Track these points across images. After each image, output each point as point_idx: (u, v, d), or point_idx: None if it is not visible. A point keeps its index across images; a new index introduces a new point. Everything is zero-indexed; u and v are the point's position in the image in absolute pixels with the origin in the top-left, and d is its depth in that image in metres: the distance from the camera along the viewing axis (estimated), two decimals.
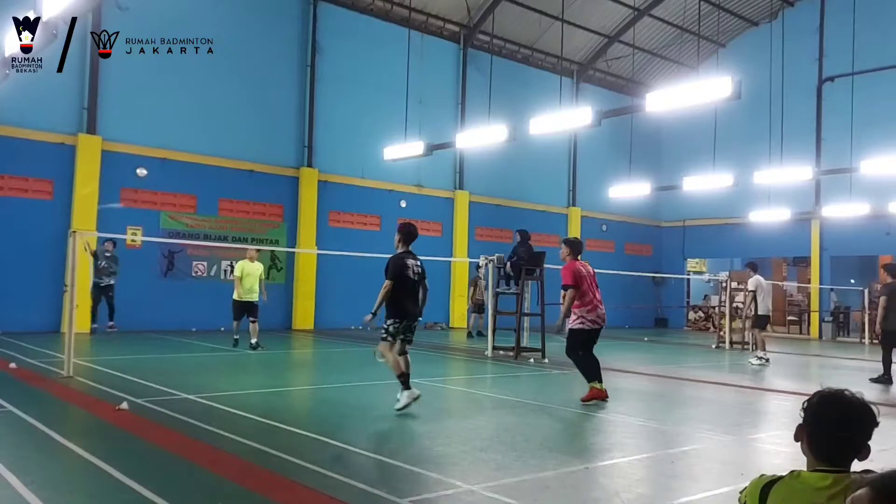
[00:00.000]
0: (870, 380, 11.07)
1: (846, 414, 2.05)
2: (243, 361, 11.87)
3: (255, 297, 13.13)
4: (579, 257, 8.60)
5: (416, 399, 7.12)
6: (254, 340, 12.96)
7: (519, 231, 14.45)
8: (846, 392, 2.10)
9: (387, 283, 7.20)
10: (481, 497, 4.34)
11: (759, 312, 14.06)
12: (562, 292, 8.32)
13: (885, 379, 10.98)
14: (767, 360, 13.54)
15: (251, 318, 13.13)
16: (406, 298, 7.32)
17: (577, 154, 26.37)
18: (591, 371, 8.19)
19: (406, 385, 7.13)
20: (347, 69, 20.33)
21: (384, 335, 7.29)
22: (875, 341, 21.12)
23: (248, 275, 13.09)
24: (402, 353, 7.33)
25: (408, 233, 7.58)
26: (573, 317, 8.26)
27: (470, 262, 19.27)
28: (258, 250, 14.12)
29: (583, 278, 8.28)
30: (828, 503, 1.96)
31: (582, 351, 8.29)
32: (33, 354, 11.06)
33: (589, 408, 7.94)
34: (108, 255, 14.73)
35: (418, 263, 7.56)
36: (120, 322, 15.99)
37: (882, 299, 11.23)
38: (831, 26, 23.87)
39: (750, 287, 14.30)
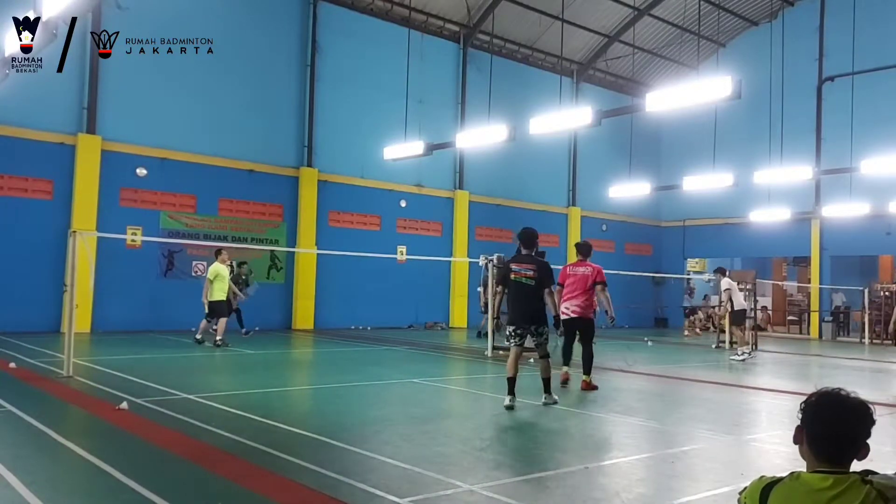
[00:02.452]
0: None
1: (842, 413, 2.06)
2: (243, 361, 11.88)
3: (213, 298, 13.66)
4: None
5: (507, 408, 7.31)
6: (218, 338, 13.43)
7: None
8: (842, 391, 2.11)
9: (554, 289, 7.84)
10: (481, 497, 4.34)
11: (736, 308, 14.36)
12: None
13: None
14: (750, 354, 13.65)
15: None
16: (510, 302, 7.67)
17: (577, 154, 26.37)
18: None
19: (510, 390, 7.39)
20: (347, 69, 20.33)
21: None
22: (876, 341, 21.20)
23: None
24: (542, 356, 7.70)
25: (518, 237, 7.91)
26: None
27: (470, 262, 19.27)
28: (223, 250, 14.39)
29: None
30: None
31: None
32: (33, 354, 11.06)
33: (589, 408, 7.94)
34: (244, 277, 15.33)
35: (530, 267, 7.66)
36: (120, 322, 16.04)
37: None
38: (831, 26, 23.87)
39: (724, 287, 14.63)
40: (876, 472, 2.07)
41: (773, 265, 29.93)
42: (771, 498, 2.06)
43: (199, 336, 13.62)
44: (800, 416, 2.17)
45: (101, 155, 16.38)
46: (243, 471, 4.82)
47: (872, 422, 2.07)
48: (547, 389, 7.73)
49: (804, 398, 2.19)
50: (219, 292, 13.50)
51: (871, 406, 2.09)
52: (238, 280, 15.25)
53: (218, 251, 13.99)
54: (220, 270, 13.60)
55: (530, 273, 7.57)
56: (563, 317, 9.06)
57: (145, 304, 16.64)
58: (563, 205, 26.14)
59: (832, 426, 2.06)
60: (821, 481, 1.99)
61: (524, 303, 7.56)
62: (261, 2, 19.15)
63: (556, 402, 7.67)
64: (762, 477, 2.15)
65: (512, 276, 7.60)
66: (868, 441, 2.07)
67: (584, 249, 9.99)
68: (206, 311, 13.66)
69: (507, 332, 7.67)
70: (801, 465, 2.16)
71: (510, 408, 7.36)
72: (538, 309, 7.57)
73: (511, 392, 7.48)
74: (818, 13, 24.26)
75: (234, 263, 14.96)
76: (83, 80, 16.23)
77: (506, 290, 7.72)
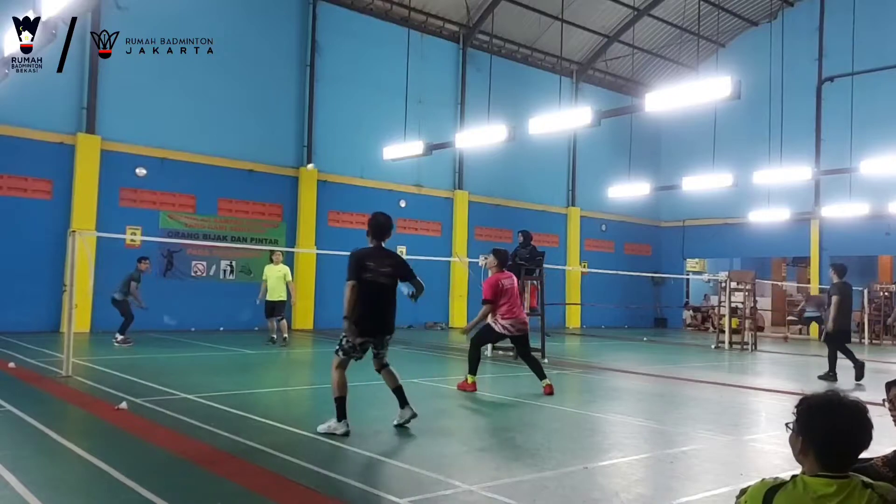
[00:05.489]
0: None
1: (846, 418, 2.04)
2: (243, 361, 11.88)
3: (276, 298, 14.10)
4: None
5: (342, 434, 5.85)
6: (284, 335, 14.16)
7: (521, 231, 14.50)
8: (841, 397, 2.09)
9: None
10: (480, 497, 4.34)
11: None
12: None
13: None
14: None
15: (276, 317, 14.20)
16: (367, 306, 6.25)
17: (577, 154, 26.38)
18: (476, 365, 8.85)
19: (340, 412, 5.96)
20: (347, 69, 20.33)
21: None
22: (875, 341, 21.21)
23: (269, 277, 14.14)
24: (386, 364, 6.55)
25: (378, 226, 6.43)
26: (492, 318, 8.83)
27: (470, 263, 19.26)
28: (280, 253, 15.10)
29: (503, 292, 8.74)
30: None
31: (480, 346, 9.08)
32: (33, 354, 11.06)
33: (589, 408, 7.95)
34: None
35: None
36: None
37: None
38: (831, 26, 23.88)
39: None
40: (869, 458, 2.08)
41: (772, 265, 29.94)
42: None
43: (274, 336, 14.25)
44: (793, 425, 2.15)
45: (100, 155, 16.38)
46: (243, 471, 4.82)
47: (872, 424, 2.07)
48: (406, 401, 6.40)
49: (797, 403, 2.18)
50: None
51: (866, 407, 2.10)
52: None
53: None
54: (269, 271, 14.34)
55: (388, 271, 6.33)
56: (503, 332, 8.76)
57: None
58: (562, 205, 26.14)
59: (838, 434, 2.04)
60: (825, 487, 1.99)
61: (390, 307, 6.41)
62: (261, 2, 19.15)
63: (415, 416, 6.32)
64: (763, 480, 2.14)
65: (369, 275, 6.18)
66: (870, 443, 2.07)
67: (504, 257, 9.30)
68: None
69: (353, 345, 6.28)
70: (800, 467, 2.16)
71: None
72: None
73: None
74: (818, 13, 24.26)
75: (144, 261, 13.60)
76: (83, 80, 16.23)
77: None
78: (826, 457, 2.04)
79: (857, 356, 11.30)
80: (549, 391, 8.50)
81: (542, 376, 8.66)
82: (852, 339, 12.14)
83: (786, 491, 2.04)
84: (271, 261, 14.56)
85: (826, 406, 2.08)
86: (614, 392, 9.67)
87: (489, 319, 8.82)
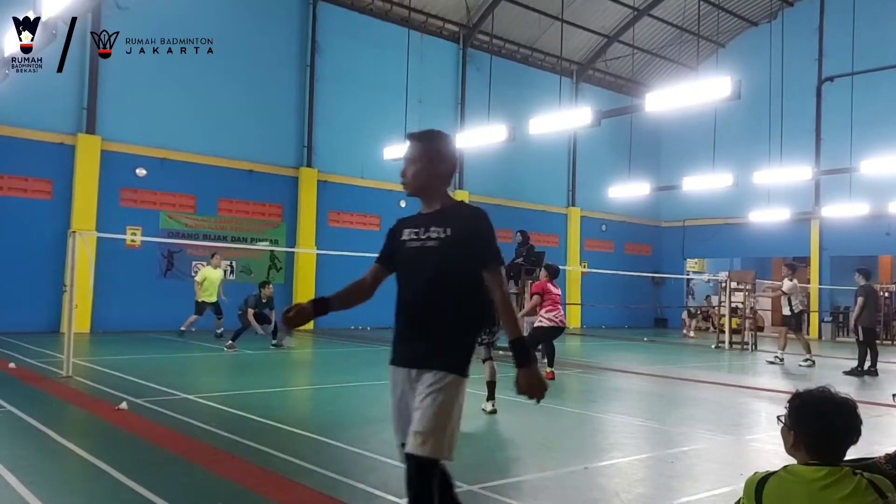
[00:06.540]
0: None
1: (838, 410, 2.11)
2: (243, 361, 11.88)
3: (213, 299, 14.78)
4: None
5: (490, 412, 7.10)
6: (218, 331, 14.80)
7: (520, 231, 14.52)
8: (832, 394, 2.15)
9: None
10: (481, 497, 4.34)
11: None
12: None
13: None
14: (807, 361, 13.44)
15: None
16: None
17: (577, 154, 26.37)
18: (552, 358, 10.22)
19: (490, 393, 7.24)
20: (347, 69, 20.32)
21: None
22: (875, 341, 21.19)
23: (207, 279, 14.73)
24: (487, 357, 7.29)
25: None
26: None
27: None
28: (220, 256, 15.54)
29: (549, 294, 10.32)
30: (821, 493, 2.00)
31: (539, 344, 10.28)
32: (33, 354, 11.06)
33: (589, 408, 7.95)
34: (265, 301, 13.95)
35: None
36: (120, 322, 16.05)
37: None
38: (831, 26, 23.87)
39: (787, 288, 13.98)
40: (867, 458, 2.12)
41: (772, 265, 29.93)
42: (765, 492, 2.11)
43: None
44: (787, 417, 2.21)
45: (100, 155, 16.38)
46: (243, 471, 4.83)
47: (860, 418, 2.13)
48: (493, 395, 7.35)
49: (790, 398, 2.23)
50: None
51: (856, 403, 2.16)
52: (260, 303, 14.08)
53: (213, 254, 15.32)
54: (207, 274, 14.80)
55: None
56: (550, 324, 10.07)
57: (145, 304, 16.62)
58: (562, 205, 26.13)
59: (827, 428, 2.10)
60: (813, 472, 2.06)
61: None
62: (261, 2, 19.14)
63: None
64: (755, 473, 2.22)
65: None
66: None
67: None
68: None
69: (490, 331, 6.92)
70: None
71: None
72: None
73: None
74: (818, 13, 24.26)
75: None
76: (83, 80, 16.23)
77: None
78: (816, 449, 2.11)
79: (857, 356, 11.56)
80: (550, 377, 9.55)
81: (551, 364, 10.01)
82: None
83: (776, 477, 2.13)
84: (211, 264, 15.03)
85: (817, 401, 2.15)
86: (615, 392, 9.67)
87: (536, 322, 10.17)
